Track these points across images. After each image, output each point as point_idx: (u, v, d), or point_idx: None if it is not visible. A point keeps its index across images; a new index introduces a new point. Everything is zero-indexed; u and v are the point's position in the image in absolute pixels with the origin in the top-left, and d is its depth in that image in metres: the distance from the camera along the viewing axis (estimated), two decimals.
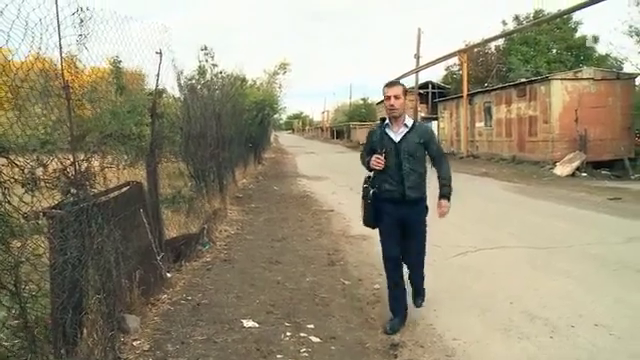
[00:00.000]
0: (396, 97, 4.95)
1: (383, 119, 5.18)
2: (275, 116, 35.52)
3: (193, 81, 12.07)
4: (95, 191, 4.52)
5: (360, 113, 74.19)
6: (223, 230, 9.35)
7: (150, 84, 8.67)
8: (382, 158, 4.94)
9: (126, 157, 5.90)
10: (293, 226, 10.33)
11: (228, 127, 13.08)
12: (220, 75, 14.45)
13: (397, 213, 5.07)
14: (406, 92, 5.11)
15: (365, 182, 5.18)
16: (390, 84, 5.07)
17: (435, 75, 59.00)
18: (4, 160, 3.21)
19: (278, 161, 32.65)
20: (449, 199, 5.12)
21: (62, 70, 4.10)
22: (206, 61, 13.62)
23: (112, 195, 5.04)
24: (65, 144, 4.22)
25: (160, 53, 6.54)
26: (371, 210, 5.14)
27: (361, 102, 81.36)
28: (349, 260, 7.53)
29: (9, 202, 3.04)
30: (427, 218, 5.20)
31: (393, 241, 5.16)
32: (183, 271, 6.71)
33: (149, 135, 6.56)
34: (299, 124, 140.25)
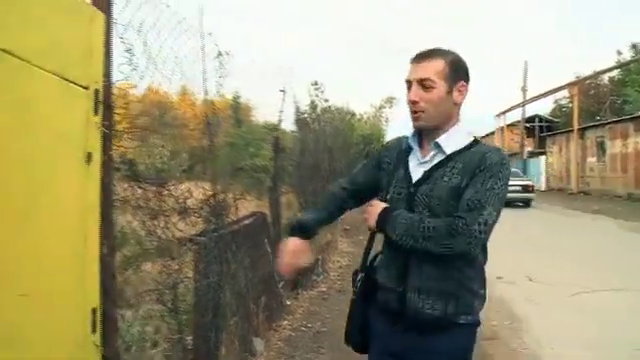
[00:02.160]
0: (424, 83, 2.19)
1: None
2: None
3: (305, 115, 12.54)
4: (229, 220, 4.88)
5: None
6: (335, 261, 9.59)
7: (256, 116, 9.17)
8: (375, 206, 2.31)
9: (248, 188, 6.29)
10: None
11: (339, 160, 13.44)
12: (330, 109, 14.89)
13: (390, 342, 2.32)
14: (455, 72, 2.23)
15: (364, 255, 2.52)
16: (416, 57, 2.26)
17: (542, 108, 57.12)
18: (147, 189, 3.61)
19: None
20: (387, 226, 2.21)
21: (207, 111, 4.50)
22: (316, 96, 14.09)
23: (242, 224, 5.40)
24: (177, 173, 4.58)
25: (284, 91, 6.98)
26: (357, 315, 2.45)
27: None
28: None
29: (168, 228, 3.40)
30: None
31: None
32: (300, 299, 6.97)
33: (272, 167, 6.94)
34: None
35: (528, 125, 43.31)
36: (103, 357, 2.47)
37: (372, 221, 2.27)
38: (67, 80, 2.15)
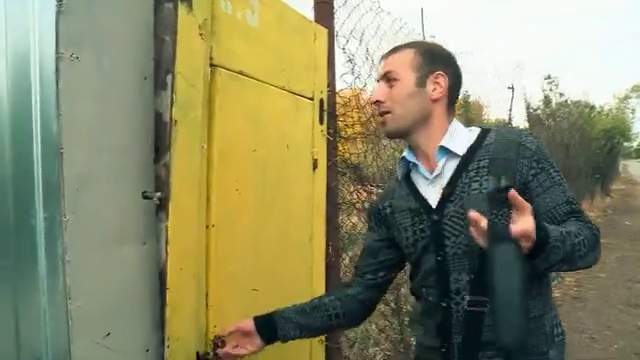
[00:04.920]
0: (388, 77, 1.68)
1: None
2: (625, 144, 32.59)
3: (538, 111, 11.93)
4: None
5: None
6: None
7: (487, 115, 8.90)
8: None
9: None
10: None
11: (576, 158, 12.56)
12: (566, 103, 13.97)
13: None
14: (429, 61, 1.66)
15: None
16: (386, 53, 1.78)
17: None
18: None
19: (628, 193, 29.62)
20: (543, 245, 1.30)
21: None
22: (550, 90, 13.33)
23: None
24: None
25: (512, 88, 6.71)
26: None
27: None
28: None
29: None
30: None
31: None
32: None
33: None
34: None
35: None
36: (326, 352, 2.62)
37: (530, 238, 1.28)
38: (294, 93, 2.32)
